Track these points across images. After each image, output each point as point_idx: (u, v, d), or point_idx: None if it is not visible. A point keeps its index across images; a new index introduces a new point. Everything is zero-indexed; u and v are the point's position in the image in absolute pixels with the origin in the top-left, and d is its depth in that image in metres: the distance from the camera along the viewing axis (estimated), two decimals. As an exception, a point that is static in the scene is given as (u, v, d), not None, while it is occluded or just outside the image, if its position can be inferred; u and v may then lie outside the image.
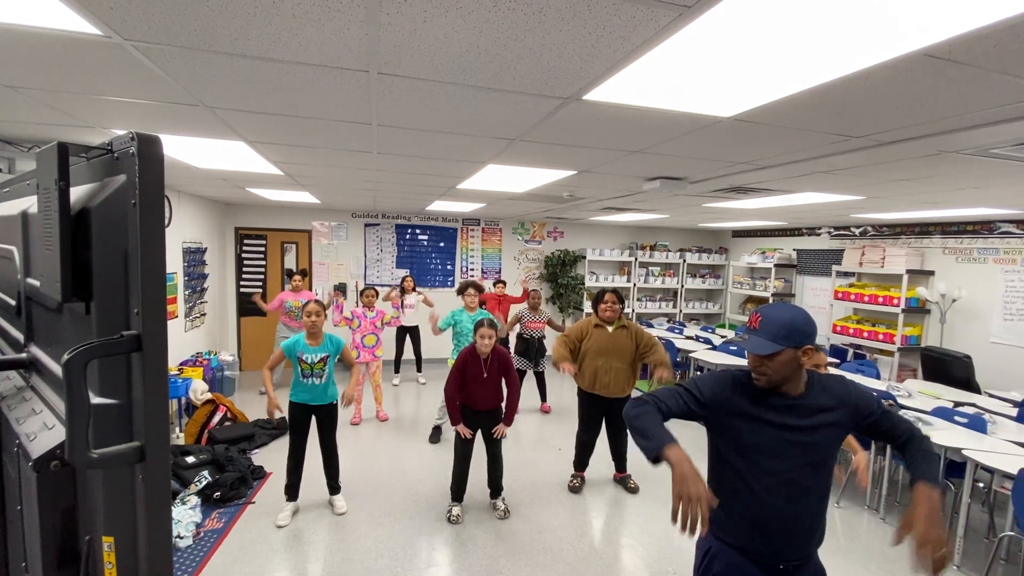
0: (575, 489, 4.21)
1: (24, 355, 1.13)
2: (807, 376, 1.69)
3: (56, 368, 0.91)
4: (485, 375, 3.62)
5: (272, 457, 4.58)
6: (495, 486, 3.85)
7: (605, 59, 1.53)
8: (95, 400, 0.74)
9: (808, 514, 1.70)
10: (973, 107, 1.82)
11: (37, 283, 0.96)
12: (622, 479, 4.34)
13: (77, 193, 0.83)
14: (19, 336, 1.19)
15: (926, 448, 1.67)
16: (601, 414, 4.17)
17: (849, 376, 5.14)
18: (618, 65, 1.57)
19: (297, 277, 6.36)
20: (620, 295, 4.13)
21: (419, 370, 7.26)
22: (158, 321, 0.74)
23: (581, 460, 4.30)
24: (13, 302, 1.20)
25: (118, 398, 0.77)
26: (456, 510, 3.69)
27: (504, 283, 7.05)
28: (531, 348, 6.11)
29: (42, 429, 0.89)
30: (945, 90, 1.67)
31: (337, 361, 3.75)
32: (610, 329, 4.03)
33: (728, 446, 1.73)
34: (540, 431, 5.56)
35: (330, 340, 3.70)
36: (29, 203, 1.04)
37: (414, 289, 6.94)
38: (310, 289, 7.70)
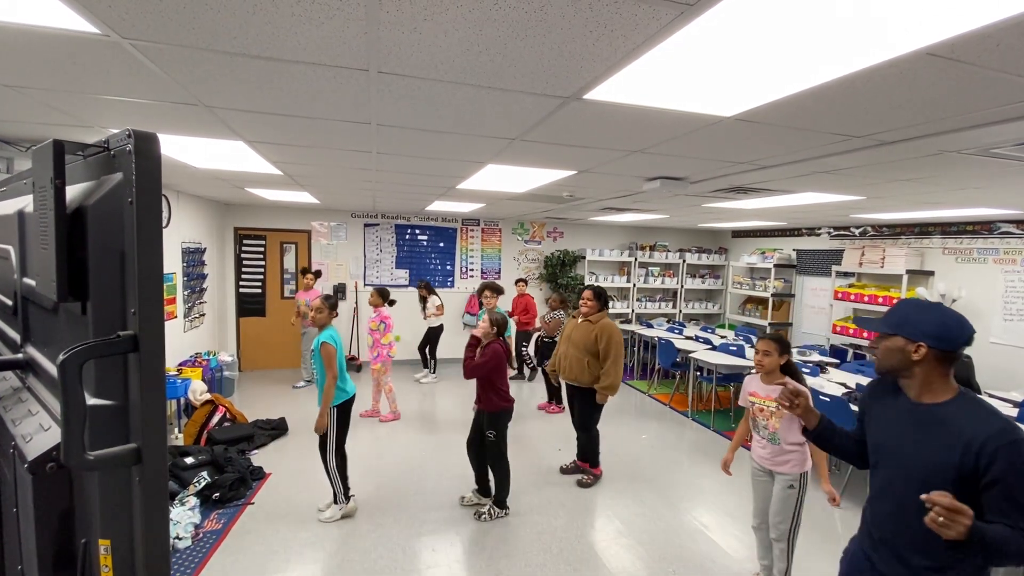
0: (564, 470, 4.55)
1: (20, 356, 1.12)
2: (950, 391, 1.51)
3: (52, 369, 0.90)
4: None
5: (272, 458, 4.57)
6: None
7: (606, 58, 1.52)
8: (91, 401, 0.73)
9: (908, 538, 1.52)
10: (975, 107, 1.82)
11: (33, 283, 0.95)
12: (575, 468, 4.51)
13: (73, 191, 0.82)
14: (15, 336, 1.18)
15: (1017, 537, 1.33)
16: (571, 401, 4.44)
17: (848, 376, 5.18)
18: (619, 64, 1.57)
19: (310, 276, 6.88)
20: (598, 291, 4.31)
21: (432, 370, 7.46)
22: (155, 321, 0.73)
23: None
24: (9, 302, 1.19)
25: (115, 399, 0.76)
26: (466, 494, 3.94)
27: (525, 281, 7.51)
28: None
29: (38, 431, 0.88)
30: (947, 89, 1.66)
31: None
32: (579, 320, 4.34)
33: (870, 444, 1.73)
34: (542, 431, 5.55)
35: (321, 336, 3.47)
36: (25, 202, 1.03)
37: (433, 292, 7.23)
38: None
